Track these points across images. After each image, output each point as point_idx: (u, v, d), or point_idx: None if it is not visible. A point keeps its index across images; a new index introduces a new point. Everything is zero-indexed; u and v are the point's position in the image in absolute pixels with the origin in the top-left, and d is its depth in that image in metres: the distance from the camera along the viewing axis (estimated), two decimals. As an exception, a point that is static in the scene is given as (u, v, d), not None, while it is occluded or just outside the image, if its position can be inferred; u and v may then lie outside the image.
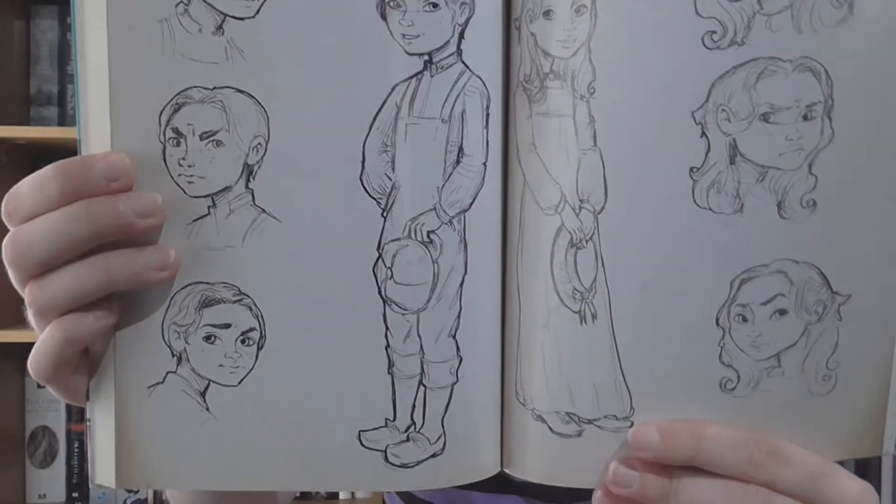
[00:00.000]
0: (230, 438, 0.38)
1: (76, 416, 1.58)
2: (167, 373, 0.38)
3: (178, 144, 0.36)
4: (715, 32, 0.34)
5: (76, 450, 1.58)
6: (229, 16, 0.36)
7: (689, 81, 0.34)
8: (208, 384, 0.38)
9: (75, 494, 1.57)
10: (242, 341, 0.38)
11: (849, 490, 0.35)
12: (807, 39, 0.34)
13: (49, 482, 1.58)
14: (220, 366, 0.38)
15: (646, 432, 0.36)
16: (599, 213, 0.36)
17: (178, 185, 0.37)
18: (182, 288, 0.37)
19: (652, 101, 0.35)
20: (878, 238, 0.35)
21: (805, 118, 0.34)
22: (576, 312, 0.37)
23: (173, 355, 0.37)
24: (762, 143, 0.34)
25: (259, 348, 0.38)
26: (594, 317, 0.37)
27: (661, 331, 0.36)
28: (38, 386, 1.57)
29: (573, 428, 0.38)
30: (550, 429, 0.38)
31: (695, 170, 0.35)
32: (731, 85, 0.34)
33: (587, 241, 0.36)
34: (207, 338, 0.38)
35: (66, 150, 1.50)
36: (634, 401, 0.37)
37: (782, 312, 0.35)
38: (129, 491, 1.61)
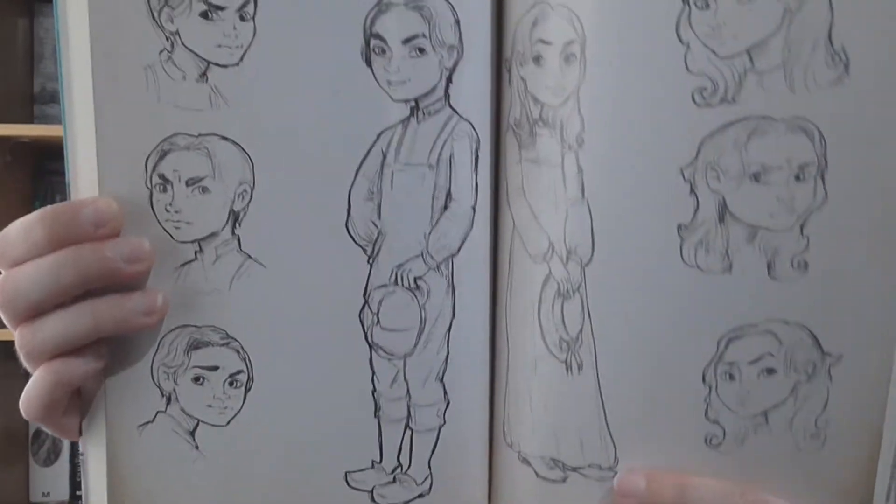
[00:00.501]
0: (219, 477, 0.39)
1: (80, 414, 1.60)
2: (157, 412, 0.38)
3: (164, 190, 0.37)
4: (705, 89, 0.34)
5: (79, 448, 1.59)
6: (213, 63, 0.36)
7: (679, 138, 0.34)
8: (197, 424, 0.38)
9: (79, 492, 1.59)
10: (230, 383, 0.38)
11: None
12: (800, 99, 0.33)
13: (52, 480, 1.60)
14: (209, 406, 0.38)
15: (631, 479, 0.36)
16: (587, 264, 0.36)
17: (165, 230, 0.37)
18: (171, 331, 0.38)
19: (641, 156, 0.35)
20: (869, 300, 0.35)
21: (797, 178, 0.34)
22: (562, 362, 0.37)
23: (163, 395, 0.38)
24: (752, 203, 0.34)
25: (247, 390, 0.38)
26: (580, 367, 0.37)
27: (646, 384, 0.36)
28: (42, 384, 1.58)
29: (558, 474, 0.38)
30: (536, 473, 0.39)
31: (683, 227, 0.35)
32: (721, 143, 0.34)
33: (574, 292, 0.37)
34: (196, 379, 0.38)
35: (70, 148, 1.51)
36: (619, 452, 0.37)
37: (770, 371, 0.35)
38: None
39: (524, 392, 0.38)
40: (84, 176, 0.37)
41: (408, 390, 0.38)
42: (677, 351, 0.36)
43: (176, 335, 0.38)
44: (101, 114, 0.36)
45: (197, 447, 0.39)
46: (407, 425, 0.39)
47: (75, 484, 1.60)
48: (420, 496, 0.39)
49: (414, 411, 0.39)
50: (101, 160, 0.36)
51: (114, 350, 0.38)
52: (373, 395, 0.38)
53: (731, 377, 0.36)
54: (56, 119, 1.51)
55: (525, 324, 0.38)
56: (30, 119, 1.51)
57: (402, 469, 0.39)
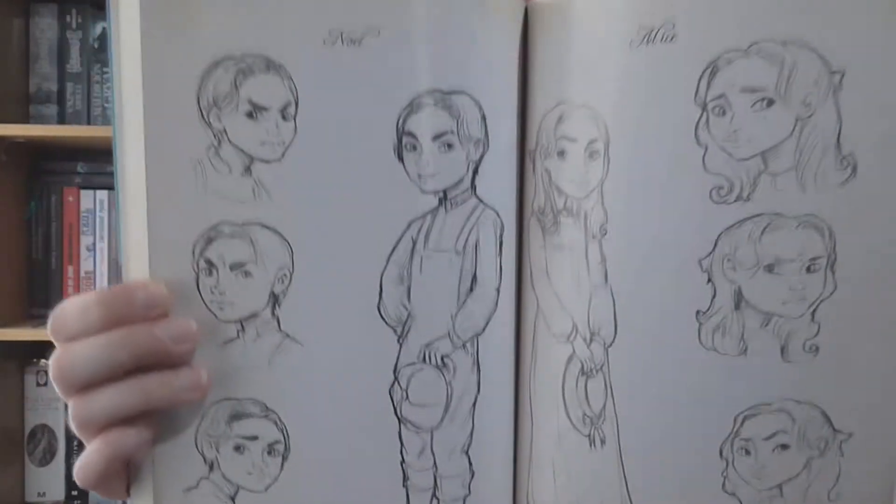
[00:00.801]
0: None
1: (75, 414, 1.61)
2: (200, 478, 0.41)
3: (210, 274, 0.39)
4: (722, 188, 0.37)
5: (75, 448, 1.61)
6: (257, 158, 0.38)
7: (697, 232, 0.37)
8: (238, 490, 0.41)
9: (74, 493, 1.61)
10: (269, 452, 0.41)
11: None
12: (810, 198, 0.36)
13: (48, 480, 1.61)
14: (249, 473, 0.41)
15: None
16: (610, 345, 0.39)
17: (210, 310, 0.40)
18: (214, 403, 0.41)
19: (661, 247, 0.38)
20: (878, 381, 0.38)
21: (808, 270, 0.37)
22: (585, 436, 0.40)
23: (206, 462, 0.41)
24: (766, 292, 0.37)
25: (284, 459, 0.41)
26: (603, 441, 0.40)
27: (666, 459, 0.39)
28: (38, 384, 1.60)
29: None
30: None
31: (701, 313, 0.38)
32: (736, 237, 0.37)
33: (597, 371, 0.39)
34: (237, 448, 0.41)
35: (65, 148, 1.52)
36: None
37: (784, 447, 0.38)
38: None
39: (548, 464, 0.41)
40: (136, 258, 0.39)
41: (434, 462, 0.41)
42: (696, 427, 0.39)
43: (219, 407, 0.41)
44: (153, 203, 0.39)
45: None
46: (434, 495, 0.42)
47: (71, 484, 1.61)
48: None
49: (440, 482, 0.41)
50: (151, 245, 0.39)
51: (161, 420, 0.40)
52: (401, 465, 0.41)
53: (748, 452, 0.38)
54: (51, 119, 1.52)
55: (549, 400, 0.41)
56: (25, 119, 1.50)
57: None
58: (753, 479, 0.39)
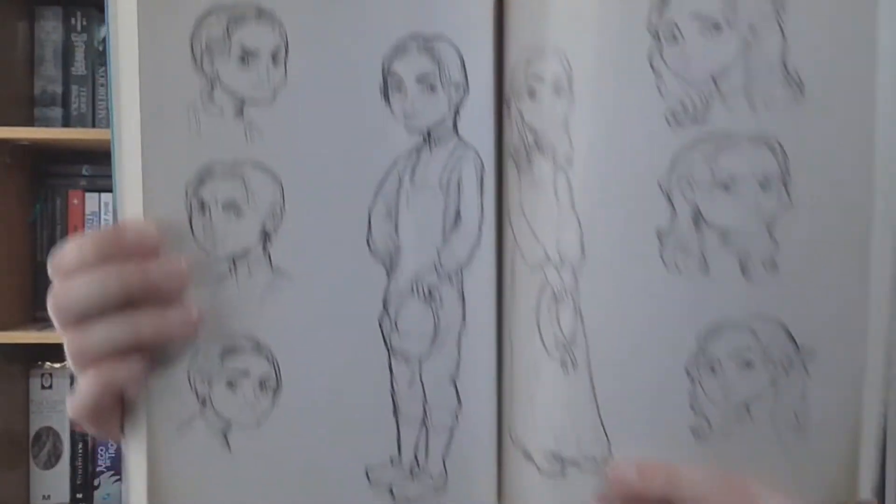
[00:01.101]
0: (250, 474, 0.44)
1: (80, 416, 1.64)
2: (193, 414, 0.44)
3: (203, 213, 0.42)
4: (677, 111, 0.40)
5: (80, 450, 1.63)
6: (248, 102, 0.41)
7: (655, 154, 0.40)
8: (230, 425, 0.44)
9: (79, 495, 1.63)
10: (260, 387, 0.43)
11: None
12: (761, 117, 0.39)
13: (53, 483, 1.62)
14: (241, 409, 0.43)
15: (624, 467, 0.41)
16: (578, 270, 0.42)
17: (202, 248, 0.42)
18: (206, 339, 0.43)
19: (622, 171, 0.41)
20: (838, 299, 0.40)
21: (762, 187, 0.39)
22: (559, 361, 0.43)
23: (198, 399, 0.43)
24: (723, 210, 0.40)
25: (275, 394, 0.43)
26: (575, 365, 0.42)
27: (635, 380, 0.42)
28: (43, 387, 1.63)
29: (557, 468, 0.43)
30: (538, 468, 0.44)
31: (662, 233, 0.40)
32: (692, 157, 0.40)
33: (567, 296, 0.42)
34: (229, 384, 0.43)
35: (69, 150, 1.55)
36: (612, 445, 0.42)
37: (748, 365, 0.40)
38: (133, 492, 1.67)
39: (526, 391, 0.44)
40: (131, 199, 0.42)
41: (423, 391, 0.44)
42: (662, 348, 0.41)
43: (211, 343, 0.43)
44: (147, 146, 0.41)
45: (229, 447, 0.44)
46: (423, 424, 0.44)
47: (76, 486, 1.63)
48: (435, 491, 0.45)
49: (429, 412, 0.44)
50: (146, 186, 0.42)
51: (154, 357, 0.43)
52: (392, 396, 0.44)
53: (713, 370, 0.40)
54: (56, 122, 1.55)
55: (526, 328, 0.44)
56: (30, 122, 1.53)
57: (418, 465, 0.44)
58: (720, 397, 0.40)
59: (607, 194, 0.41)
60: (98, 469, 1.65)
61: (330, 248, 0.43)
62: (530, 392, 0.44)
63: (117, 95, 0.42)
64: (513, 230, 0.44)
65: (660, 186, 0.40)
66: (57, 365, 1.61)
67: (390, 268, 0.43)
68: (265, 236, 0.43)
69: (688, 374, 0.41)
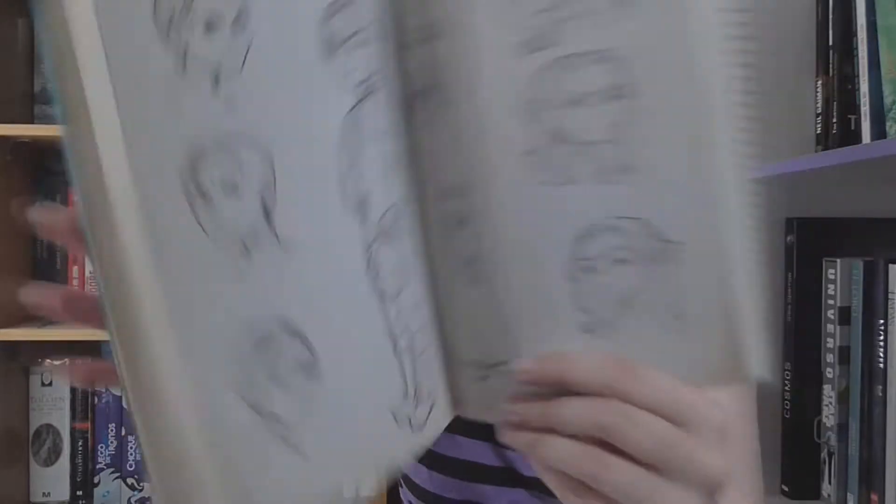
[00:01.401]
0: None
1: (80, 414, 1.66)
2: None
3: (202, 197, 0.41)
4: (529, 41, 0.43)
5: (80, 448, 1.66)
6: (221, 73, 0.40)
7: (511, 81, 0.43)
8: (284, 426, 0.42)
9: (79, 493, 1.65)
10: (301, 371, 0.44)
11: (708, 397, 0.42)
12: (600, 34, 0.42)
13: (53, 480, 1.65)
14: (289, 403, 0.41)
15: (524, 362, 0.45)
16: (477, 203, 0.45)
17: (212, 238, 0.41)
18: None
19: (487, 96, 0.44)
20: (694, 190, 0.42)
21: (611, 99, 0.42)
22: (469, 277, 0.46)
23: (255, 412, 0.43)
24: (578, 124, 0.43)
25: (312, 373, 0.44)
26: (480, 280, 0.46)
27: (527, 287, 0.45)
28: (43, 384, 1.65)
29: (483, 373, 0.47)
30: (470, 375, 0.48)
31: (527, 152, 0.44)
32: (545, 80, 0.43)
33: (469, 219, 0.45)
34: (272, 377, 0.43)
35: (70, 147, 1.57)
36: (519, 349, 0.45)
37: (623, 261, 0.43)
38: (133, 489, 1.69)
39: (458, 318, 0.48)
40: (120, 203, 0.37)
41: (406, 323, 0.46)
42: (544, 256, 0.44)
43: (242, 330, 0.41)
44: (129, 135, 0.37)
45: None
46: (409, 350, 0.47)
47: (76, 484, 1.65)
48: (430, 410, 0.47)
49: (413, 339, 0.47)
50: (136, 179, 0.37)
51: None
52: (389, 335, 0.45)
53: (589, 270, 0.43)
54: (56, 119, 1.57)
55: (439, 249, 0.47)
56: (30, 119, 1.56)
57: (416, 392, 0.46)
58: (601, 294, 0.44)
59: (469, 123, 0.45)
60: (98, 466, 1.67)
61: (317, 209, 0.44)
62: (457, 315, 0.47)
63: (75, 87, 0.36)
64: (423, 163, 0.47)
65: (519, 110, 0.43)
66: (57, 362, 1.63)
67: (363, 217, 0.45)
68: (266, 210, 0.42)
69: (570, 276, 0.44)
